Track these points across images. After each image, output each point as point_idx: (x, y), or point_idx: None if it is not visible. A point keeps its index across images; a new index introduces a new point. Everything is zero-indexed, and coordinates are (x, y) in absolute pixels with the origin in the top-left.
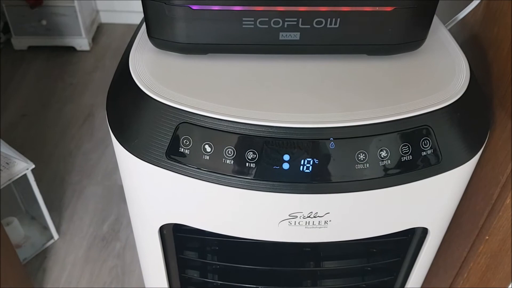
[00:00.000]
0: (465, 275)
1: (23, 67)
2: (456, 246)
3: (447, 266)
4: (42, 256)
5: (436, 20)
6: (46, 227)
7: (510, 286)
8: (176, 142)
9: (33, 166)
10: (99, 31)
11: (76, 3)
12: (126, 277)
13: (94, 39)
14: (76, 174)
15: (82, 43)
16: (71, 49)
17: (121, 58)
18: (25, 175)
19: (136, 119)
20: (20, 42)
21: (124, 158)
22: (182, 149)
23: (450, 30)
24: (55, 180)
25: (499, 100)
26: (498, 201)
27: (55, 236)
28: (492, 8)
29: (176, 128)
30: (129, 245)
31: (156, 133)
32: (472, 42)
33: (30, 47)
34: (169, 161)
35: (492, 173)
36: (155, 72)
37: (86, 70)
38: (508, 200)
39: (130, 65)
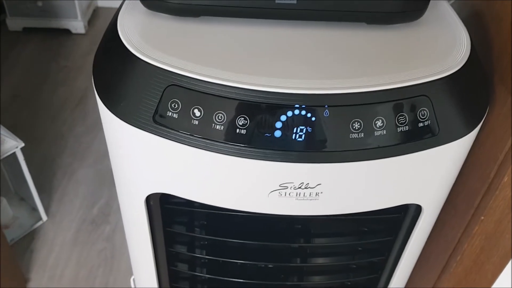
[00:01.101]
0: (459, 257)
1: (18, 48)
2: (450, 227)
3: (440, 247)
4: (30, 237)
5: None
6: (35, 208)
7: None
8: (164, 105)
9: (23, 144)
10: (95, 15)
11: None
12: (115, 260)
13: (90, 22)
14: (67, 157)
15: (77, 26)
16: (67, 31)
17: (111, 20)
18: (14, 153)
19: (123, 81)
20: (15, 23)
21: (109, 121)
22: (170, 113)
23: (451, 6)
24: (46, 162)
25: (499, 76)
26: (495, 179)
27: (44, 217)
28: None
29: (164, 91)
30: (119, 229)
31: (143, 95)
32: (473, 18)
33: (25, 29)
34: (156, 125)
35: (490, 151)
36: (144, 34)
37: (81, 53)
38: (506, 178)
39: (119, 25)
